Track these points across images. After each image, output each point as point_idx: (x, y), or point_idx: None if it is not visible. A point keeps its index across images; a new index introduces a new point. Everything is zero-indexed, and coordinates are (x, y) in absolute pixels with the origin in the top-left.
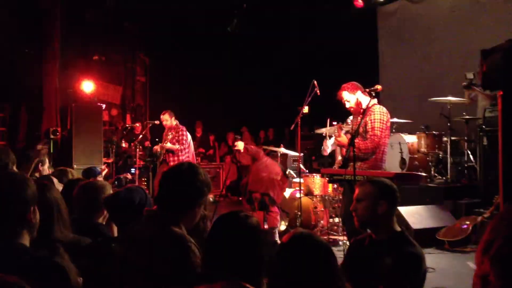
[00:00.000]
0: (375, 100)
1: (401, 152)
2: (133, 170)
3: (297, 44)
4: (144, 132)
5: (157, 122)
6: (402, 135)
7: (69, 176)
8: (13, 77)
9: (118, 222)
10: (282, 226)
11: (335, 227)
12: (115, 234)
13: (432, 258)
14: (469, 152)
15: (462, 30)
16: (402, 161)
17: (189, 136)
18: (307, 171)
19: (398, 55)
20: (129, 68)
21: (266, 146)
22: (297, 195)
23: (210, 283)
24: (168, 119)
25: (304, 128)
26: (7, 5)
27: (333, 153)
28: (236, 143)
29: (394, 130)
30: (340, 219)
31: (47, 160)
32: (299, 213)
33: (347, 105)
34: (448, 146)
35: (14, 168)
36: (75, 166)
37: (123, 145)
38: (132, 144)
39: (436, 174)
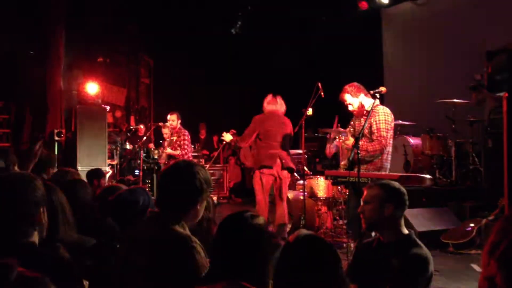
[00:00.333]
0: (377, 101)
1: (406, 154)
2: (137, 172)
3: (302, 46)
4: (148, 134)
5: (161, 124)
6: (407, 137)
7: (71, 176)
8: (18, 79)
9: (121, 223)
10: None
11: (339, 229)
12: None
13: (436, 261)
14: (473, 154)
15: (466, 32)
16: (407, 163)
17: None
18: (311, 173)
19: (402, 57)
20: (133, 70)
21: None
22: (301, 197)
23: (212, 284)
24: (175, 120)
25: (308, 130)
26: (11, 7)
27: (337, 155)
28: (223, 134)
29: (398, 132)
30: (344, 221)
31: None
32: (303, 215)
33: (350, 107)
34: (453, 148)
35: (16, 168)
36: (79, 167)
37: (127, 147)
38: (136, 146)
39: (440, 176)
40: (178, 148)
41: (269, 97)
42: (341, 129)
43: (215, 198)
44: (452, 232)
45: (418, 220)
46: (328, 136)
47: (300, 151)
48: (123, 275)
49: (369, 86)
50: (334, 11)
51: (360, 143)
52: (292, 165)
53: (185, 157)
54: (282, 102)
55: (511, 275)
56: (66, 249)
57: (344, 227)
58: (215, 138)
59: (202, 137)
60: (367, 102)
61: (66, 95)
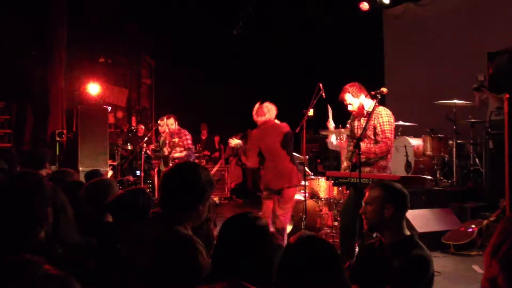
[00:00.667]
0: (375, 102)
1: (407, 155)
2: (138, 172)
3: (303, 46)
4: (149, 135)
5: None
6: (408, 138)
7: (71, 177)
8: (19, 79)
9: (121, 224)
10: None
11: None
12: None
13: (438, 262)
14: (474, 155)
15: (468, 33)
16: (408, 164)
17: None
18: (312, 174)
19: (403, 58)
20: (134, 71)
21: None
22: (302, 198)
23: (213, 284)
24: (173, 123)
25: (309, 131)
26: (13, 7)
27: (338, 156)
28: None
29: (399, 133)
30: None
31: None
32: (304, 216)
33: (350, 108)
34: (454, 150)
35: (18, 169)
36: (80, 168)
37: (128, 147)
38: (137, 146)
39: (441, 178)
40: (182, 149)
41: (256, 107)
42: (342, 129)
43: (216, 198)
44: (453, 233)
45: (419, 221)
46: (329, 129)
47: (301, 157)
48: (126, 276)
49: (370, 86)
50: (335, 11)
51: (363, 145)
52: (294, 182)
53: (191, 158)
54: (271, 107)
55: None
56: (67, 249)
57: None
58: (216, 139)
59: (203, 137)
60: (367, 103)
61: (67, 96)
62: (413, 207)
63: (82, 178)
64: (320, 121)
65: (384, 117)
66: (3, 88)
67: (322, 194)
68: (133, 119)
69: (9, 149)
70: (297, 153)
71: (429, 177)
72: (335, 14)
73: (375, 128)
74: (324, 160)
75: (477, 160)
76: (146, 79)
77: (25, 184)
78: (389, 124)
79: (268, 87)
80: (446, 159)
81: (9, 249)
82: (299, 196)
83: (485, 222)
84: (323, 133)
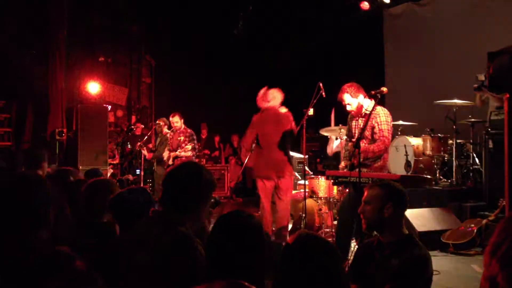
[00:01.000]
0: (373, 102)
1: (407, 155)
2: (138, 171)
3: (303, 46)
4: (149, 134)
5: (166, 125)
6: (408, 137)
7: (73, 176)
8: (19, 78)
9: (121, 223)
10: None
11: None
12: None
13: (437, 261)
14: (474, 155)
15: (468, 33)
16: (407, 163)
17: None
18: (312, 173)
19: (403, 58)
20: (134, 70)
21: None
22: (302, 197)
23: (211, 282)
24: (178, 121)
25: (309, 130)
26: (13, 6)
27: (338, 155)
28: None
29: (399, 133)
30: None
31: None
32: (304, 215)
33: (348, 108)
34: (454, 149)
35: (20, 169)
36: (80, 167)
37: (128, 146)
38: (137, 145)
39: (441, 177)
40: (190, 150)
41: (261, 92)
42: (342, 128)
43: (215, 196)
44: (453, 232)
45: (418, 220)
46: (329, 137)
47: (301, 156)
48: (126, 274)
49: (370, 86)
50: (336, 11)
51: (361, 144)
52: (286, 173)
53: (194, 157)
54: (276, 94)
55: None
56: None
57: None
58: (216, 138)
59: (203, 136)
60: (366, 103)
61: (67, 95)
62: (413, 206)
63: (82, 177)
64: (320, 120)
65: (382, 116)
66: (3, 87)
67: (322, 193)
68: (133, 118)
69: (11, 149)
70: (297, 152)
71: (429, 177)
72: (336, 13)
73: (373, 128)
74: (324, 159)
75: (476, 160)
76: (146, 78)
77: (24, 184)
78: (386, 124)
79: (268, 86)
80: (446, 158)
81: (10, 250)
82: (298, 196)
83: (484, 221)
84: (323, 133)
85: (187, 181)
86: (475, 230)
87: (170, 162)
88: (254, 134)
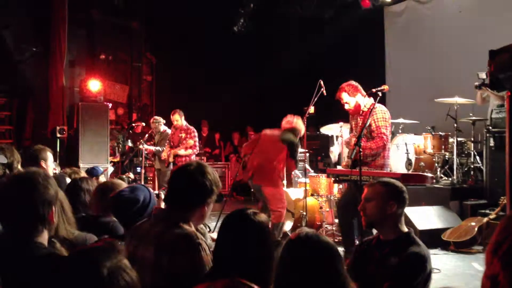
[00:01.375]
0: (372, 100)
1: (407, 153)
2: (138, 169)
3: (304, 43)
4: (150, 132)
5: (163, 121)
6: (408, 135)
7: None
8: (20, 75)
9: (123, 221)
10: (288, 225)
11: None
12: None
13: (438, 259)
14: (475, 153)
15: (469, 31)
16: (408, 161)
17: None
18: (312, 171)
19: (404, 56)
20: (135, 67)
21: None
22: (303, 195)
23: (215, 280)
24: (178, 119)
25: (310, 128)
26: (14, 3)
27: (340, 154)
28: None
29: (400, 131)
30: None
31: (50, 156)
32: (305, 213)
33: (346, 106)
34: (455, 147)
35: (19, 166)
36: (81, 164)
37: (129, 144)
38: (138, 143)
39: (442, 175)
40: (189, 148)
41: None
42: (342, 125)
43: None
44: (454, 230)
45: (419, 218)
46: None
47: (302, 153)
48: None
49: (371, 84)
50: (337, 9)
51: (361, 143)
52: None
53: (193, 156)
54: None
55: None
56: (66, 245)
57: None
58: (216, 136)
59: (204, 134)
60: (364, 101)
61: (68, 92)
62: (414, 204)
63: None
64: (320, 118)
65: (379, 113)
66: (4, 84)
67: (323, 191)
68: (134, 115)
69: (9, 146)
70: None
71: (430, 175)
72: (337, 11)
73: (370, 125)
74: (324, 158)
75: (477, 158)
76: (147, 76)
77: (26, 182)
78: (383, 120)
79: (269, 84)
80: (446, 156)
81: (11, 248)
82: (299, 194)
83: (485, 219)
84: (324, 131)
85: (193, 180)
86: (476, 229)
87: (171, 159)
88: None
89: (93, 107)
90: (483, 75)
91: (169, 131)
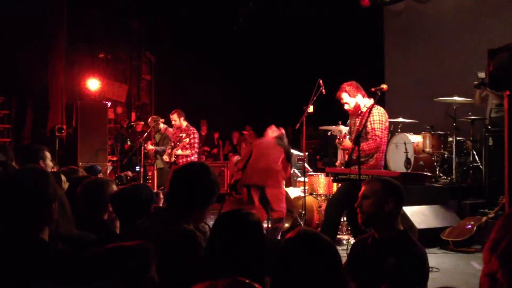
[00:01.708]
0: (371, 101)
1: (406, 152)
2: (137, 168)
3: (303, 42)
4: (149, 131)
5: (162, 120)
6: (408, 135)
7: (76, 173)
8: (19, 74)
9: (123, 219)
10: (287, 224)
11: (340, 227)
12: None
13: (436, 258)
14: (474, 152)
15: (468, 30)
16: (407, 161)
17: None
18: (311, 170)
19: (404, 55)
20: (134, 66)
21: None
22: (302, 194)
23: (215, 280)
24: (176, 119)
25: (309, 127)
26: (13, 2)
27: (338, 153)
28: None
29: (399, 130)
30: (345, 218)
31: (48, 155)
32: (304, 212)
33: (346, 106)
34: (454, 146)
35: (13, 165)
36: (80, 163)
37: (128, 143)
38: (137, 142)
39: (441, 174)
40: (188, 147)
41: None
42: (341, 126)
43: None
44: (453, 229)
45: (418, 217)
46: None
47: (301, 153)
48: None
49: (370, 83)
50: (336, 8)
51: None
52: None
53: (195, 155)
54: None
55: None
56: (65, 244)
57: (345, 223)
58: (215, 135)
59: (203, 133)
60: (364, 102)
61: (67, 91)
62: (413, 203)
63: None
64: (320, 117)
65: (375, 115)
66: (3, 83)
67: (322, 190)
68: (133, 114)
69: (4, 144)
70: (297, 149)
71: (429, 174)
72: (336, 10)
73: (366, 127)
74: (323, 157)
75: (476, 157)
76: (146, 75)
77: (25, 179)
78: (379, 123)
79: (268, 83)
80: (445, 156)
81: (11, 247)
82: (298, 193)
83: (484, 219)
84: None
85: (194, 180)
86: (474, 228)
87: (172, 159)
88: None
89: (92, 106)
90: (482, 74)
91: (170, 129)
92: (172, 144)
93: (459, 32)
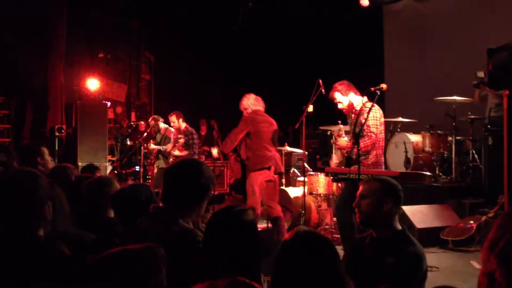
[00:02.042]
0: (365, 99)
1: (406, 152)
2: (137, 167)
3: (303, 42)
4: (148, 130)
5: (161, 120)
6: (407, 134)
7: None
8: (19, 74)
9: (123, 219)
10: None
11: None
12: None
13: (436, 258)
14: (474, 151)
15: (468, 29)
16: (407, 160)
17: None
18: (311, 170)
19: (403, 54)
20: (134, 66)
21: None
22: (301, 193)
23: (214, 279)
24: (175, 121)
25: (308, 127)
26: (13, 2)
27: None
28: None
29: (399, 129)
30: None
31: (45, 150)
32: (303, 211)
33: (340, 106)
34: (453, 146)
35: (15, 165)
36: (79, 163)
37: (128, 142)
38: (137, 142)
39: (440, 174)
40: (186, 148)
41: (253, 96)
42: (341, 126)
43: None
44: (452, 229)
45: (418, 217)
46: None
47: (301, 151)
48: None
49: (370, 83)
50: (335, 7)
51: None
52: (282, 170)
53: (194, 156)
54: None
55: (511, 271)
56: (63, 243)
57: None
58: (215, 135)
59: (203, 133)
60: (356, 99)
61: (67, 91)
62: (412, 203)
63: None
64: (319, 117)
65: (370, 112)
66: (2, 83)
67: (321, 190)
68: (133, 114)
69: (6, 145)
70: (296, 149)
71: (428, 173)
72: (335, 10)
73: (361, 124)
74: (323, 156)
75: (476, 157)
76: (146, 75)
77: (17, 180)
78: (374, 119)
79: (267, 83)
80: (445, 155)
81: (8, 246)
82: (298, 192)
83: (483, 218)
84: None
85: (187, 178)
86: (474, 227)
87: (171, 160)
88: (244, 132)
89: (92, 105)
90: (481, 74)
91: (171, 129)
92: (172, 144)
93: (458, 32)
